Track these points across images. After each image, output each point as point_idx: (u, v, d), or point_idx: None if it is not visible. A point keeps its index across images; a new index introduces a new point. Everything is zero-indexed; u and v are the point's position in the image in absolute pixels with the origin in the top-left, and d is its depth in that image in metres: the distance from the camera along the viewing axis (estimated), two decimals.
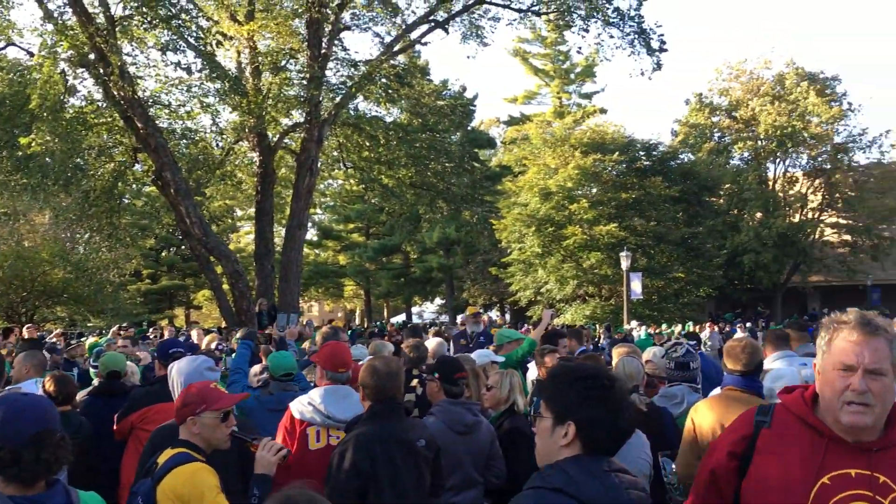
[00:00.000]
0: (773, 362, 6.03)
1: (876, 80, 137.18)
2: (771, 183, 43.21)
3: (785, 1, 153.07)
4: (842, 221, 42.43)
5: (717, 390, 4.83)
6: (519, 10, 24.03)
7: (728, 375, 4.50)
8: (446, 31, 23.54)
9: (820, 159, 42.14)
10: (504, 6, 24.17)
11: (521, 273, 37.99)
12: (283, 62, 22.17)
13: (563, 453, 2.23)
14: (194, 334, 14.48)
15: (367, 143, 24.92)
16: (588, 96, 53.31)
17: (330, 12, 21.47)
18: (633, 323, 29.34)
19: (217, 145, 23.63)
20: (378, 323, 40.03)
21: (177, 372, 4.10)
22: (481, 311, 14.59)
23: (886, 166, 42.22)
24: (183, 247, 43.84)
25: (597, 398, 2.20)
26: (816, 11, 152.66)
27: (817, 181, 42.75)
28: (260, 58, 21.85)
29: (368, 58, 22.91)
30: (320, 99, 21.47)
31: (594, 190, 36.93)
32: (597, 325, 32.38)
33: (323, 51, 21.45)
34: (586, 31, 23.37)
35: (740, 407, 4.28)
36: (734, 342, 4.64)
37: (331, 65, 22.13)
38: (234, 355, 6.14)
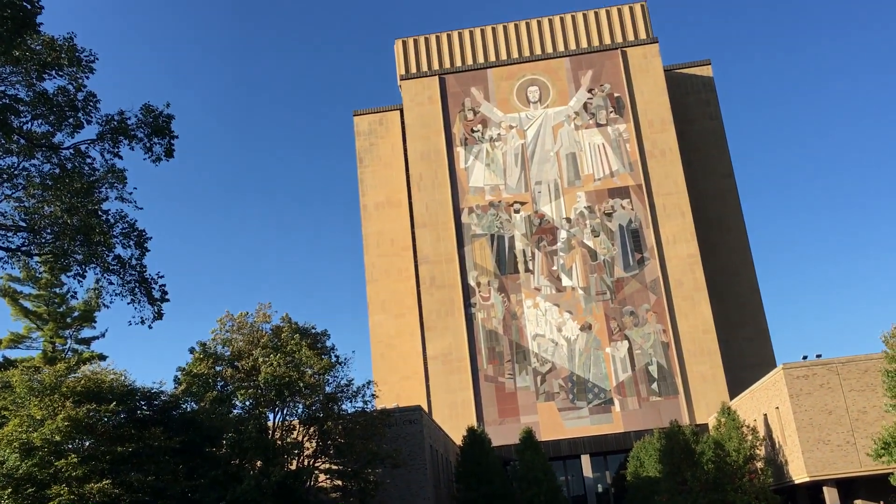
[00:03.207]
0: None
1: (358, 338, 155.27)
2: (271, 431, 44.55)
3: (282, 263, 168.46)
4: (334, 467, 45.16)
5: None
6: (8, 250, 22.35)
7: None
8: None
9: (314, 408, 45.07)
10: None
11: None
12: None
13: None
14: None
15: None
16: (86, 341, 50.29)
17: None
18: None
19: None
20: None
21: None
22: None
23: (370, 414, 46.89)
24: None
25: None
26: (305, 273, 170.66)
27: (312, 429, 45.35)
28: None
29: None
30: None
31: (87, 443, 33.83)
32: None
33: None
34: (83, 276, 22.59)
35: None
36: None
37: None
38: None
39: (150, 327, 25.28)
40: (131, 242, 24.68)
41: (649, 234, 75.57)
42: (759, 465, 52.09)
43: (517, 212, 77.64)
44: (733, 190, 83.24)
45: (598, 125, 79.43)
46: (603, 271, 75.17)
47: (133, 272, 24.40)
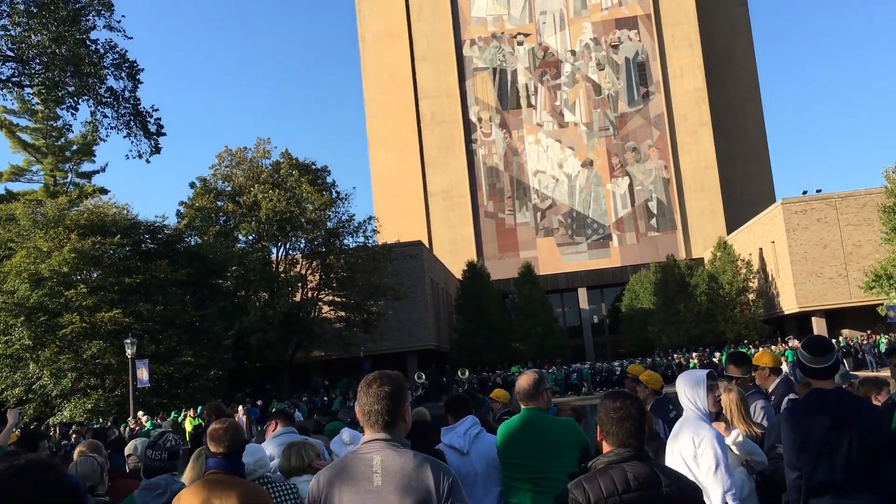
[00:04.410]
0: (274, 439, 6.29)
1: (359, 174, 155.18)
2: (274, 265, 45.50)
3: (281, 99, 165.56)
4: (337, 299, 46.50)
5: (187, 474, 4.87)
6: None
7: (211, 459, 4.51)
8: None
9: (316, 242, 45.82)
10: None
11: (7, 369, 33.47)
12: None
13: None
14: None
15: None
16: (87, 175, 50.33)
17: None
18: (140, 413, 27.93)
19: None
20: None
21: None
22: None
23: (371, 248, 47.75)
24: None
25: None
26: (304, 109, 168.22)
27: (315, 263, 46.30)
28: None
29: None
30: None
31: (95, 274, 34.64)
32: (101, 419, 30.03)
33: None
34: (76, 109, 22.17)
35: (224, 489, 4.33)
36: (217, 424, 4.68)
37: None
38: None
39: (147, 161, 25.17)
40: (123, 74, 24.06)
41: (656, 67, 73.58)
42: (751, 296, 53.61)
43: (520, 44, 75.22)
44: (745, 20, 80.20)
45: None
46: (606, 106, 73.88)
47: (127, 105, 23.98)
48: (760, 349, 13.08)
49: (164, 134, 24.41)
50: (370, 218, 49.01)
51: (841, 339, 45.50)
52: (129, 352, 28.31)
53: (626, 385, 8.10)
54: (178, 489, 4.64)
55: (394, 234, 58.47)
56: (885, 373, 5.43)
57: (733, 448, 5.44)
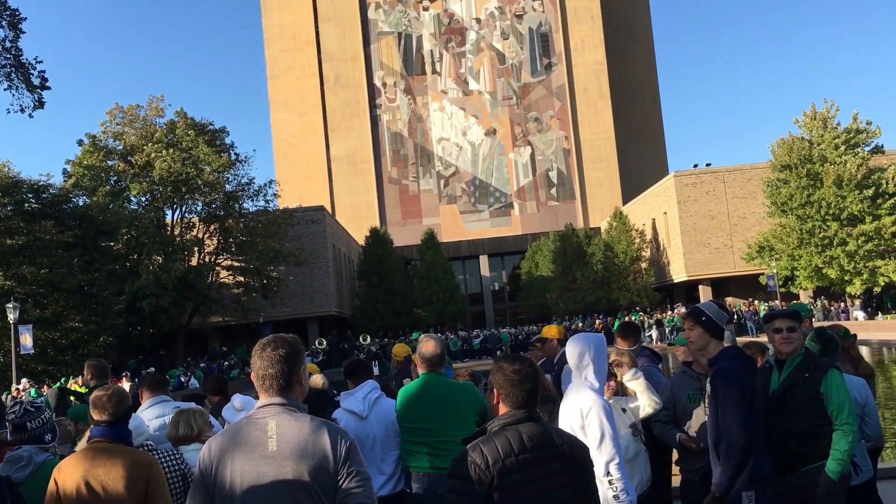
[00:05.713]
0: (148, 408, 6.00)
1: (261, 136, 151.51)
2: (169, 227, 44.01)
3: (176, 55, 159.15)
4: (235, 264, 45.47)
5: (82, 443, 4.61)
6: None
7: (94, 427, 4.31)
8: None
9: (214, 206, 44.54)
10: None
11: None
12: None
13: None
14: None
15: None
16: None
17: None
18: (24, 381, 26.70)
19: None
20: None
21: None
22: None
23: (272, 213, 46.82)
24: None
25: None
26: (202, 66, 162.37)
27: (212, 226, 45.05)
28: None
29: None
30: None
31: None
32: None
33: None
34: None
35: (108, 457, 4.15)
36: (100, 391, 4.47)
37: None
38: None
39: (30, 116, 23.74)
40: (3, 22, 22.57)
41: (558, 38, 74.46)
42: (644, 265, 55.57)
43: (426, 9, 74.62)
44: None
45: None
46: (510, 75, 74.39)
47: (8, 56, 22.52)
48: (552, 323, 13.18)
49: (48, 88, 23.04)
50: (271, 181, 47.99)
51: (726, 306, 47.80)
52: (10, 317, 26.88)
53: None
54: (43, 461, 4.42)
55: (295, 198, 57.49)
56: (765, 338, 5.69)
57: (632, 386, 5.55)
